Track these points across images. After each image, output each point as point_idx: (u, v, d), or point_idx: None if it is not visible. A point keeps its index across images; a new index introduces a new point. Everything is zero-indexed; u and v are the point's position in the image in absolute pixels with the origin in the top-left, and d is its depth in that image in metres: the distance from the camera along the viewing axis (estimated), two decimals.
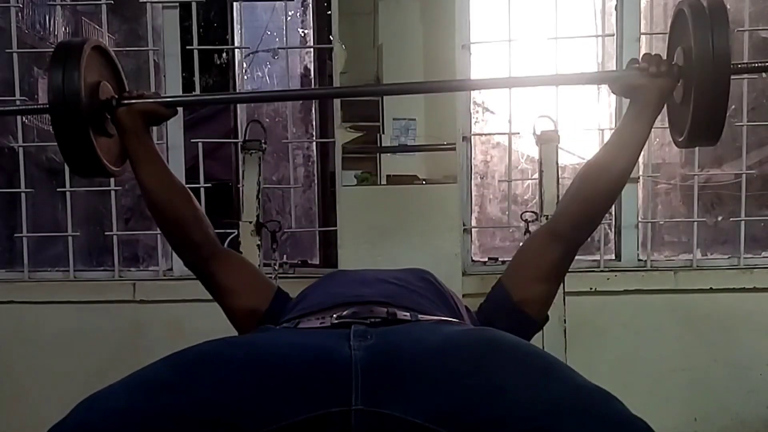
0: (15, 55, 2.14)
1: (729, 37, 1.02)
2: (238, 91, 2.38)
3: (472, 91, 2.16)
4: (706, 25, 1.02)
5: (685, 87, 1.09)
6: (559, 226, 1.19)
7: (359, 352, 0.78)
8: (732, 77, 1.04)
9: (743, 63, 1.25)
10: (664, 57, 1.15)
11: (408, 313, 0.96)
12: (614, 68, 2.14)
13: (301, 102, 2.39)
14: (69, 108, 1.08)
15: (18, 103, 2.14)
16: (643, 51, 2.12)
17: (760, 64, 1.19)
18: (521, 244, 1.32)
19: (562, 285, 1.45)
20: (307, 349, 0.81)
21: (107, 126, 1.18)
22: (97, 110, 1.14)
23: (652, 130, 1.15)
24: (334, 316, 0.95)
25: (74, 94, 1.08)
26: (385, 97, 2.06)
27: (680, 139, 1.14)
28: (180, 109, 2.19)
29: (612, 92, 1.21)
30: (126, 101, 1.18)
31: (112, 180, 2.17)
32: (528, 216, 1.78)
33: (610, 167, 1.14)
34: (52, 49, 1.13)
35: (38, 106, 1.38)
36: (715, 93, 1.02)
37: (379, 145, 2.05)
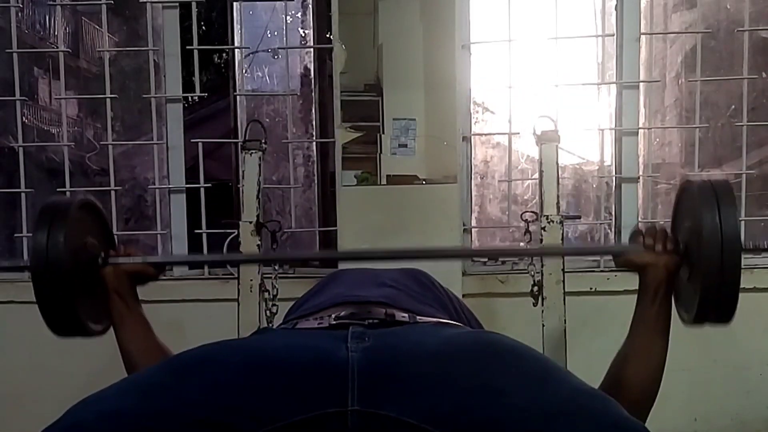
0: (15, 55, 2.14)
1: (737, 218, 1.00)
2: (238, 91, 2.38)
3: (472, 91, 2.15)
4: (713, 204, 0.99)
5: (692, 266, 1.06)
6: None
7: (356, 353, 0.78)
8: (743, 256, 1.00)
9: (753, 244, 1.21)
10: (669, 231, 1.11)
11: (406, 315, 0.97)
12: (614, 69, 2.14)
13: (301, 102, 2.39)
14: (50, 272, 1.03)
15: (18, 102, 2.14)
16: (643, 51, 2.13)
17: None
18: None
19: (562, 285, 1.45)
20: (303, 351, 0.81)
21: (93, 283, 1.14)
22: (81, 271, 1.09)
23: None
24: (332, 316, 0.95)
25: (57, 257, 1.03)
26: (385, 97, 2.06)
27: (687, 317, 1.10)
28: (180, 109, 2.20)
29: (616, 266, 1.17)
30: (112, 261, 1.14)
31: (112, 180, 2.17)
32: (528, 216, 1.77)
33: (646, 361, 1.10)
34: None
35: (20, 265, 1.32)
36: (724, 275, 0.98)
37: (379, 145, 2.06)
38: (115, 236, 1.23)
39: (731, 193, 1.00)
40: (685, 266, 1.08)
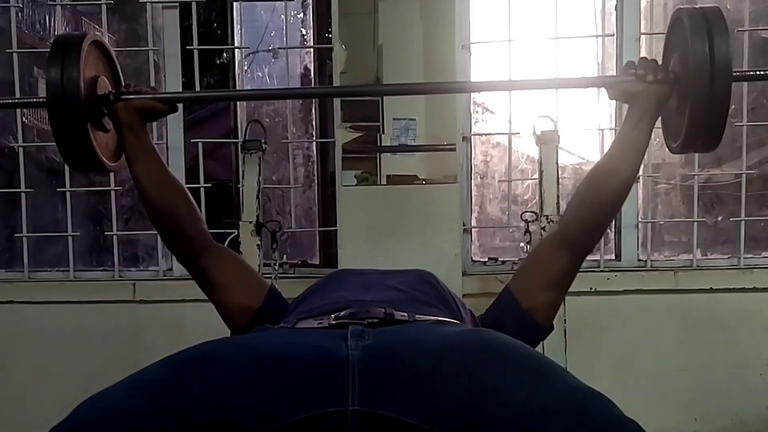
0: (15, 55, 2.14)
1: (729, 44, 1.01)
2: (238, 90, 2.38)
3: (471, 95, 2.15)
4: (704, 32, 1.01)
5: (681, 94, 1.09)
6: (568, 234, 1.20)
7: (356, 352, 0.78)
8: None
9: (744, 70, 1.22)
10: (660, 62, 1.15)
11: (406, 314, 0.97)
12: (614, 69, 2.14)
13: (301, 102, 2.39)
14: (67, 104, 1.07)
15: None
16: (643, 51, 2.13)
17: (761, 73, 1.17)
18: (529, 252, 1.32)
19: None
20: (304, 350, 0.81)
21: (104, 121, 1.18)
22: (94, 105, 1.14)
23: (653, 131, 1.15)
24: (332, 316, 0.95)
25: (72, 89, 1.07)
26: (385, 97, 2.06)
27: (674, 145, 1.14)
28: (180, 109, 2.20)
29: (609, 97, 1.22)
30: (123, 96, 1.18)
31: (112, 180, 2.17)
32: (528, 216, 1.78)
33: (615, 173, 1.15)
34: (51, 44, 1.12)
35: (36, 100, 1.38)
36: (713, 100, 1.01)
37: (379, 145, 2.06)
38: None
39: (722, 20, 1.02)
40: (675, 96, 1.11)
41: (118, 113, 1.17)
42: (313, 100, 2.34)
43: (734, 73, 1.03)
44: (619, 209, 1.20)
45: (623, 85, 1.15)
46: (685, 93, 1.06)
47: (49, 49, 1.10)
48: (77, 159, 1.15)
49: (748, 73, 1.26)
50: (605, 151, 1.21)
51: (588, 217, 1.18)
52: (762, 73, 1.17)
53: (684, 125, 1.06)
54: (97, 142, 1.14)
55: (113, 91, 1.18)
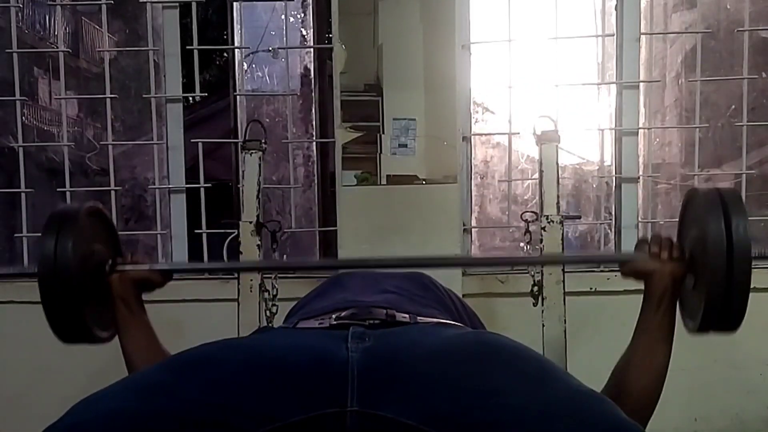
0: (15, 55, 2.14)
1: (747, 227, 0.98)
2: (238, 91, 2.38)
3: (472, 91, 2.15)
4: (719, 211, 0.98)
5: (697, 275, 1.05)
6: None
7: (356, 353, 0.78)
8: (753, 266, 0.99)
9: (764, 254, 1.16)
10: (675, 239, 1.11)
11: (407, 315, 0.97)
12: (614, 69, 2.14)
13: (301, 102, 2.39)
14: (58, 279, 1.03)
15: (18, 102, 2.14)
16: (643, 51, 2.13)
17: None
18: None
19: (562, 285, 1.45)
20: (303, 351, 0.81)
21: (100, 290, 1.14)
22: (88, 277, 1.10)
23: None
24: (333, 317, 0.95)
25: (65, 264, 1.03)
26: (385, 97, 2.06)
27: (691, 325, 1.10)
28: (180, 109, 2.20)
29: (622, 275, 1.17)
30: (119, 268, 1.14)
31: (112, 180, 2.17)
32: (528, 216, 1.77)
33: (650, 368, 1.12)
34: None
35: (26, 272, 1.32)
36: (731, 284, 0.98)
37: (379, 145, 2.06)
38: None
39: (740, 202, 1.00)
40: (690, 275, 1.08)
41: (112, 285, 1.14)
42: (314, 101, 2.34)
43: (754, 254, 1.00)
44: (656, 400, 1.14)
45: (636, 263, 1.12)
46: (702, 273, 1.03)
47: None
48: (67, 333, 1.12)
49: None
50: (629, 348, 1.15)
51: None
52: None
53: (701, 306, 1.02)
54: (90, 312, 1.10)
55: (109, 263, 1.14)
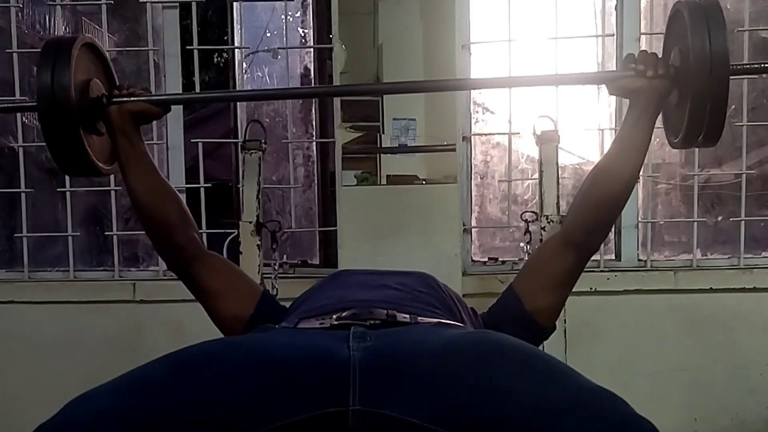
0: (15, 55, 2.14)
1: (726, 38, 1.01)
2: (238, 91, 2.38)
3: (472, 91, 2.15)
4: (703, 26, 1.01)
5: (681, 89, 1.08)
6: (572, 234, 1.19)
7: (358, 353, 0.78)
8: (731, 78, 1.02)
9: (742, 64, 1.21)
10: (660, 56, 1.14)
11: (408, 316, 0.96)
12: (614, 68, 2.14)
13: (301, 102, 2.39)
14: (58, 108, 1.05)
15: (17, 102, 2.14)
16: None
17: (759, 66, 1.17)
18: (532, 252, 1.31)
19: None
20: (305, 350, 0.80)
21: (98, 124, 1.16)
22: (86, 109, 1.11)
23: (653, 131, 1.15)
24: (334, 317, 0.95)
25: (63, 93, 1.05)
26: (385, 97, 2.06)
27: (675, 140, 1.14)
28: (180, 109, 2.20)
29: (609, 93, 1.21)
30: (116, 99, 1.15)
31: (112, 180, 2.17)
32: (528, 216, 1.78)
33: (618, 171, 1.14)
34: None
35: (26, 104, 1.34)
36: (713, 95, 1.01)
37: (379, 145, 2.05)
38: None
39: (720, 14, 1.02)
40: (675, 90, 1.10)
41: (110, 117, 1.14)
42: (314, 101, 2.34)
43: (732, 67, 1.03)
44: (623, 208, 1.19)
45: (623, 81, 1.13)
46: (685, 88, 1.06)
47: (40, 54, 1.08)
48: (70, 164, 1.13)
49: (746, 67, 1.26)
50: (606, 150, 1.20)
51: (592, 218, 1.17)
52: (759, 66, 1.16)
53: (684, 120, 1.06)
54: (90, 146, 1.12)
55: (106, 94, 1.15)
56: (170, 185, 1.23)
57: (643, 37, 2.13)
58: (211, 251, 1.27)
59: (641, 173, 2.14)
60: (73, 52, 1.07)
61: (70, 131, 1.07)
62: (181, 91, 2.20)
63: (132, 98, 1.16)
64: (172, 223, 1.19)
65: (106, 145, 1.20)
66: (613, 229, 2.20)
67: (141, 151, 1.18)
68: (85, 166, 1.14)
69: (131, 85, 1.20)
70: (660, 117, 1.17)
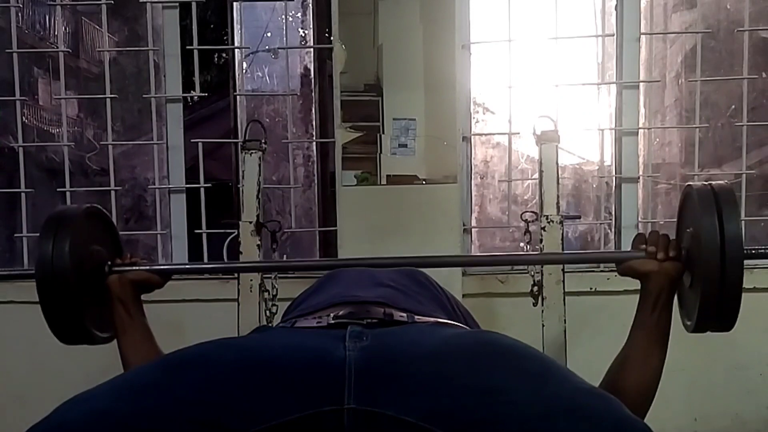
0: (15, 55, 2.14)
1: (740, 223, 0.98)
2: (238, 91, 2.38)
3: (471, 93, 2.15)
4: (713, 210, 0.98)
5: (693, 273, 1.05)
6: None
7: (354, 352, 0.78)
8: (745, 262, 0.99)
9: (756, 248, 1.16)
10: (672, 236, 1.11)
11: (405, 314, 0.97)
12: (614, 69, 2.14)
13: (300, 102, 2.39)
14: (56, 281, 1.03)
15: (18, 102, 2.14)
16: (643, 51, 2.13)
17: None
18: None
19: (562, 285, 1.45)
20: (301, 350, 0.81)
21: (99, 291, 1.14)
22: (87, 278, 1.10)
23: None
24: (331, 315, 0.95)
25: (62, 267, 1.03)
26: (385, 97, 2.06)
27: (689, 323, 1.10)
28: (180, 109, 2.20)
29: (618, 273, 1.16)
30: (117, 269, 1.14)
31: (111, 180, 2.17)
32: (528, 216, 1.77)
33: (645, 365, 1.10)
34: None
35: (26, 272, 1.32)
36: (725, 281, 0.98)
37: (379, 145, 2.06)
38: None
39: (732, 198, 0.99)
40: (688, 273, 1.07)
41: (110, 286, 1.14)
42: (314, 101, 2.34)
43: (746, 251, 1.00)
44: (653, 395, 1.13)
45: (633, 262, 1.10)
46: (697, 271, 1.03)
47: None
48: (66, 334, 1.12)
49: (760, 251, 1.17)
50: (627, 347, 1.14)
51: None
52: None
53: (697, 304, 1.02)
54: (90, 314, 1.11)
55: (108, 263, 1.14)
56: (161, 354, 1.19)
57: (643, 38, 2.12)
58: None
59: (641, 173, 2.14)
60: (75, 224, 1.07)
61: (67, 305, 1.06)
62: (181, 93, 2.19)
63: (133, 268, 1.15)
64: None
65: (106, 311, 1.17)
66: (612, 229, 2.20)
67: (139, 322, 1.17)
68: (82, 337, 1.13)
69: (134, 255, 1.19)
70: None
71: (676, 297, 1.13)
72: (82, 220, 1.09)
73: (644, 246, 1.09)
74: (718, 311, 1.01)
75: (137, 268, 1.15)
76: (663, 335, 1.10)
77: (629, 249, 1.15)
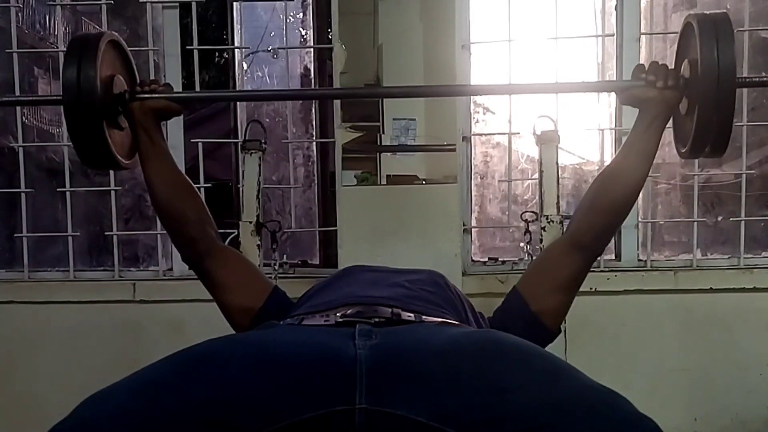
0: (15, 55, 2.14)
1: (734, 51, 1.03)
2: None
3: (473, 95, 2.15)
4: (712, 39, 1.03)
5: (690, 99, 1.10)
6: (578, 237, 1.21)
7: (364, 351, 0.78)
8: (737, 89, 1.04)
9: (748, 77, 1.25)
10: (671, 67, 1.16)
11: (412, 315, 0.97)
12: (614, 69, 2.14)
13: (301, 102, 2.39)
14: (83, 103, 1.08)
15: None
16: (643, 51, 2.13)
17: (765, 78, 1.20)
18: (538, 254, 1.32)
19: None
20: (311, 348, 0.81)
21: (120, 119, 1.19)
22: (110, 104, 1.14)
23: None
24: (338, 314, 0.95)
25: (89, 88, 1.08)
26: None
27: (683, 150, 1.16)
28: None
29: (619, 102, 1.23)
30: (139, 96, 1.18)
31: (112, 180, 2.17)
32: (528, 216, 1.77)
33: (625, 176, 1.16)
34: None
35: (52, 98, 1.38)
36: (719, 106, 1.03)
37: (379, 145, 2.06)
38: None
39: (729, 29, 1.04)
40: (685, 100, 1.12)
41: (133, 113, 1.18)
42: (314, 101, 2.34)
43: (739, 79, 1.05)
44: (629, 212, 1.21)
45: (634, 90, 1.15)
46: (693, 98, 1.08)
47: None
48: (93, 157, 1.16)
49: (752, 80, 1.27)
50: (615, 155, 1.24)
51: (598, 221, 1.19)
52: (765, 79, 1.19)
53: (692, 130, 1.08)
54: (112, 140, 1.15)
55: (128, 90, 1.18)
56: (189, 181, 1.26)
57: (643, 37, 2.13)
58: (227, 246, 1.31)
59: None
60: (99, 48, 1.10)
61: (93, 125, 1.10)
62: (181, 90, 2.19)
63: (154, 95, 1.19)
64: (188, 219, 1.23)
65: (127, 139, 1.22)
66: None
67: (161, 147, 1.23)
68: (106, 160, 1.16)
69: (154, 81, 1.23)
70: (670, 126, 1.18)
71: (672, 125, 1.20)
72: (104, 47, 1.12)
73: (644, 75, 1.14)
74: (711, 134, 1.07)
75: (157, 96, 1.20)
76: (649, 153, 1.16)
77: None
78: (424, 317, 0.97)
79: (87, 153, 1.14)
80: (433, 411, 0.71)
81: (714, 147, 1.08)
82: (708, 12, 1.09)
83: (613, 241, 2.19)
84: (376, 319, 0.92)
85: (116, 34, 1.20)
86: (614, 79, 2.14)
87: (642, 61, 2.13)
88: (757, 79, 1.24)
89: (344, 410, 0.71)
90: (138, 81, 1.24)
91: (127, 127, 1.21)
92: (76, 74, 1.07)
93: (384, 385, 0.73)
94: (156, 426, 0.70)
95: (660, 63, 1.15)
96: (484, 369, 0.76)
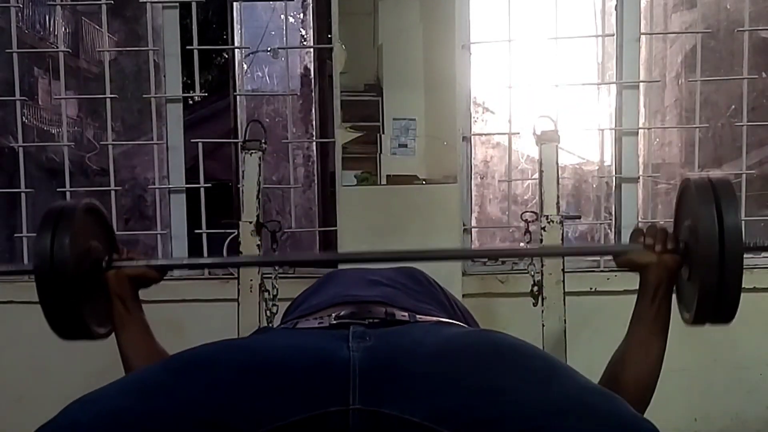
0: (15, 55, 2.14)
1: (739, 216, 0.97)
2: (238, 91, 2.38)
3: (471, 93, 2.15)
4: (711, 203, 0.96)
5: (691, 266, 1.04)
6: None
7: (358, 353, 0.78)
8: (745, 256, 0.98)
9: (754, 242, 1.15)
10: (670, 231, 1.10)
11: (406, 314, 0.97)
12: (614, 69, 2.14)
13: (300, 102, 2.39)
14: (55, 276, 1.02)
15: (18, 102, 2.14)
16: (643, 51, 2.13)
17: None
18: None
19: (562, 285, 1.45)
20: (305, 350, 0.81)
21: (96, 286, 1.13)
22: (85, 274, 1.09)
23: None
24: (333, 315, 0.95)
25: (62, 261, 1.02)
26: (385, 97, 2.06)
27: (687, 316, 1.09)
28: (180, 109, 2.20)
29: (617, 265, 1.15)
30: (115, 264, 1.13)
31: (111, 180, 2.17)
32: (528, 216, 1.77)
33: (645, 358, 1.10)
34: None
35: (23, 269, 1.32)
36: (723, 274, 0.96)
37: (379, 145, 2.06)
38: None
39: (731, 190, 0.98)
40: (686, 266, 1.06)
41: (109, 282, 1.13)
42: (314, 100, 2.35)
43: (746, 244, 1.00)
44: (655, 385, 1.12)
45: (631, 254, 1.09)
46: (695, 264, 1.02)
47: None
48: (65, 329, 1.11)
49: (759, 244, 1.18)
50: (626, 341, 1.14)
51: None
52: None
53: (695, 297, 1.01)
54: (88, 310, 1.10)
55: (105, 259, 1.14)
56: (165, 352, 1.19)
57: (643, 38, 2.12)
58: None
59: (641, 173, 2.14)
60: (74, 219, 1.06)
61: (66, 300, 1.05)
62: (181, 93, 2.19)
63: (131, 263, 1.14)
64: None
65: (104, 307, 1.17)
66: (612, 230, 2.20)
67: (137, 317, 1.17)
68: (80, 332, 1.12)
69: (131, 250, 1.18)
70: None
71: (674, 288, 1.13)
72: (80, 216, 1.08)
73: (642, 239, 1.09)
74: (716, 304, 1.00)
75: (134, 263, 1.15)
76: (662, 328, 1.10)
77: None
78: (418, 316, 0.97)
79: (59, 325, 1.09)
80: (428, 411, 0.71)
81: (720, 315, 1.02)
82: (706, 174, 1.01)
83: (613, 241, 2.19)
84: (370, 320, 0.92)
85: (94, 201, 1.16)
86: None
87: (642, 61, 2.13)
88: (763, 243, 1.16)
89: (338, 411, 0.71)
90: (116, 248, 1.19)
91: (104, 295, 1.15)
92: (50, 246, 1.01)
93: (378, 386, 0.73)
94: (146, 426, 0.70)
95: (659, 227, 1.09)
96: (480, 370, 0.76)
